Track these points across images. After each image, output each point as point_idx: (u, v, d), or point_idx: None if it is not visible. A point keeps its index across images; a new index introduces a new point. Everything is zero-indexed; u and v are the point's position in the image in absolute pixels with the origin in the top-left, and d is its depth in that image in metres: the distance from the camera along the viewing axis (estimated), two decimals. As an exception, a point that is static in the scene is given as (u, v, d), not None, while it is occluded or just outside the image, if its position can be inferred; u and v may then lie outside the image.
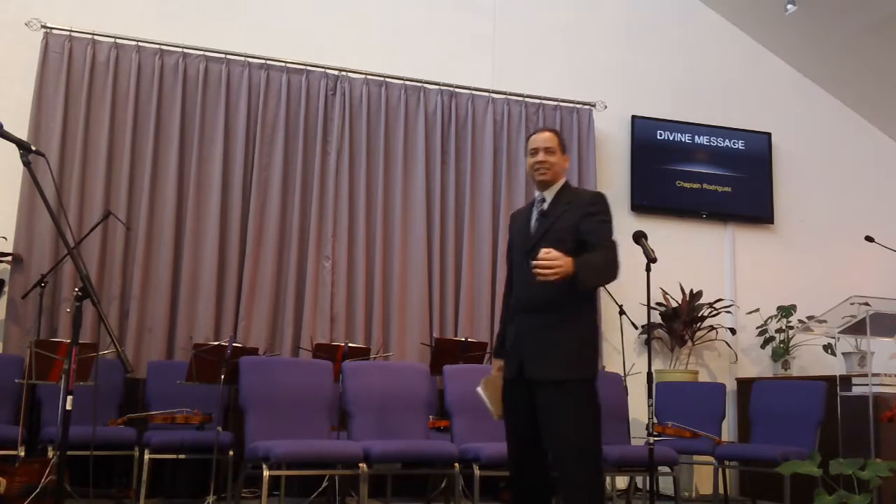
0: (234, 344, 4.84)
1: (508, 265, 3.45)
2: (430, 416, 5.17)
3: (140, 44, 6.01)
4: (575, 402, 3.10)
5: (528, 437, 3.16)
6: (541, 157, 3.25)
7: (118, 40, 5.97)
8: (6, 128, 2.90)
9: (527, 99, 6.86)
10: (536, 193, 3.33)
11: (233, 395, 5.14)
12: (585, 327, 3.18)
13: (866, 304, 5.26)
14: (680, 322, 6.77)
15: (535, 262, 2.92)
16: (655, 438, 4.22)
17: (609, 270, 3.09)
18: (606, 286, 6.55)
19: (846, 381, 5.68)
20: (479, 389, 3.34)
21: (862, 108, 7.93)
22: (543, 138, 3.30)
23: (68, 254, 4.37)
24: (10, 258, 5.51)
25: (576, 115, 6.98)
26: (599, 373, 3.21)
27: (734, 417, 6.89)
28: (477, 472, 4.51)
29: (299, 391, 4.65)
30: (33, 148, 2.92)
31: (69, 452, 3.02)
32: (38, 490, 4.11)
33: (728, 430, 6.81)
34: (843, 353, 6.24)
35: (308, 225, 6.15)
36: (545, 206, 3.25)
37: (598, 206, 3.19)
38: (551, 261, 2.90)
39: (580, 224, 3.14)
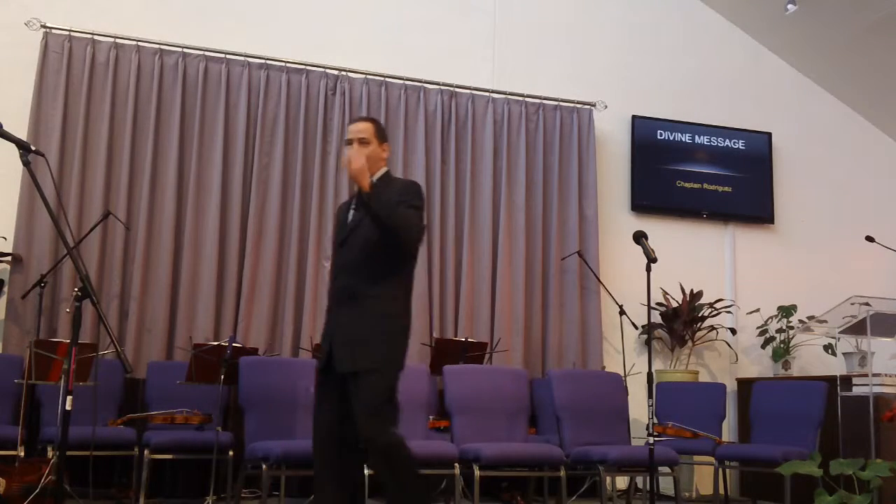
0: (234, 344, 4.83)
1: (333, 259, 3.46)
2: (430, 416, 5.17)
3: (140, 43, 6.00)
4: (376, 392, 3.13)
5: (334, 428, 3.22)
6: (354, 148, 3.24)
7: (118, 40, 5.97)
8: (6, 127, 2.91)
9: (527, 99, 6.86)
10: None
11: (232, 395, 5.14)
12: (392, 320, 3.20)
13: (867, 304, 5.26)
14: (680, 322, 6.77)
15: (343, 158, 3.04)
16: (656, 439, 4.22)
17: (402, 220, 3.11)
18: (608, 287, 6.59)
19: (847, 381, 5.67)
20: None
21: (863, 107, 7.93)
22: (357, 129, 3.27)
23: (68, 254, 4.37)
24: (9, 258, 5.50)
25: (576, 115, 6.98)
26: (405, 366, 3.26)
27: (734, 418, 6.89)
28: (477, 472, 4.51)
29: (299, 391, 4.65)
30: (33, 148, 2.92)
31: (69, 453, 3.03)
32: (37, 490, 4.11)
33: (728, 431, 6.81)
34: (844, 354, 6.23)
35: (308, 225, 6.14)
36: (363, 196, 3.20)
37: (409, 194, 3.22)
38: (355, 159, 2.99)
39: None
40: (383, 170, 3.33)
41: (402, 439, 3.17)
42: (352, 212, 3.30)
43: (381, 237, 3.12)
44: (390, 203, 3.10)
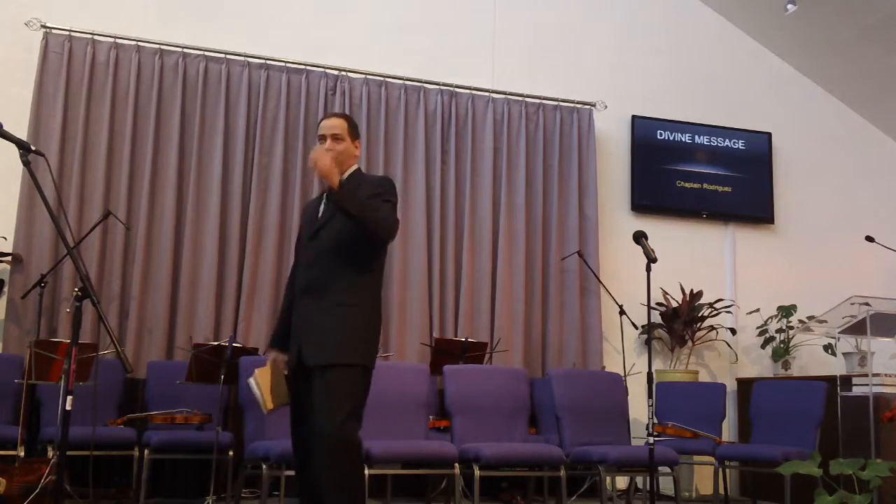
0: (234, 344, 4.83)
1: (296, 256, 3.38)
2: (430, 417, 5.17)
3: (140, 43, 6.00)
4: (339, 387, 3.00)
5: (303, 423, 3.15)
6: (328, 144, 3.18)
7: (118, 40, 5.97)
8: (6, 127, 2.90)
9: (527, 99, 6.85)
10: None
11: (233, 395, 5.14)
12: (361, 314, 3.11)
13: (866, 304, 5.26)
14: (680, 322, 6.77)
15: (310, 157, 2.97)
16: (655, 439, 4.22)
17: (374, 214, 3.05)
18: (608, 287, 6.59)
19: (846, 381, 5.68)
20: (251, 381, 3.19)
21: (863, 107, 7.92)
22: (330, 125, 3.22)
23: (68, 254, 4.37)
24: (9, 258, 5.50)
25: (576, 115, 6.98)
26: (375, 361, 3.16)
27: (734, 418, 6.89)
28: (477, 472, 4.50)
29: (299, 391, 4.64)
30: (33, 148, 2.92)
31: (69, 452, 3.02)
32: (37, 490, 4.11)
33: (728, 431, 6.81)
34: (844, 354, 6.23)
35: (308, 225, 6.14)
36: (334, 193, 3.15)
37: (383, 188, 3.17)
38: (322, 156, 2.94)
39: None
40: (354, 167, 3.28)
41: (359, 440, 3.00)
42: (322, 206, 3.25)
43: (357, 233, 3.06)
44: (361, 200, 3.04)
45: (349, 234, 3.08)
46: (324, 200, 3.26)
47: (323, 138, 3.21)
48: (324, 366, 3.02)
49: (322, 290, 3.10)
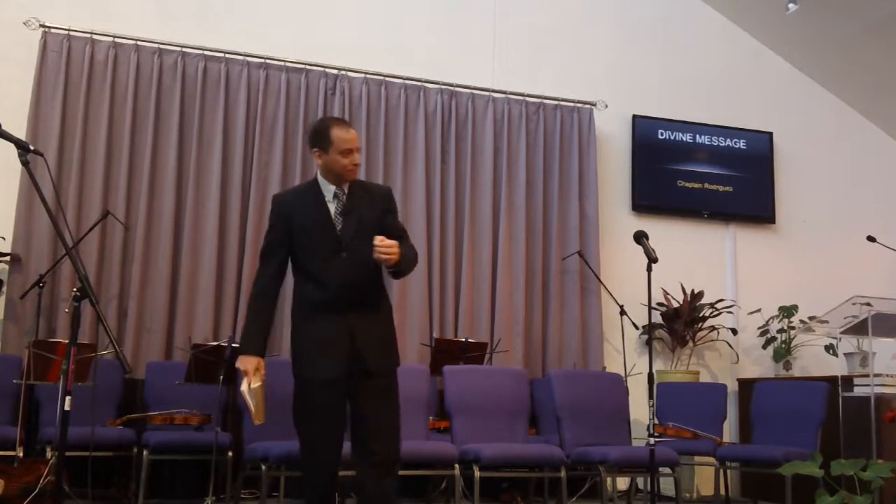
0: (233, 344, 4.81)
1: (272, 254, 3.32)
2: (430, 417, 5.16)
3: (139, 43, 5.99)
4: (395, 389, 3.26)
5: (341, 435, 3.22)
6: (357, 158, 3.22)
7: (117, 39, 5.95)
8: (4, 127, 2.89)
9: (527, 98, 6.84)
10: (328, 186, 3.23)
11: (232, 395, 5.12)
12: (391, 319, 3.36)
13: (868, 304, 5.25)
14: (681, 322, 6.76)
15: (378, 247, 3.03)
16: (656, 439, 4.20)
17: (415, 263, 3.30)
18: (608, 287, 6.58)
19: (848, 381, 5.67)
20: (245, 391, 3.13)
21: (864, 107, 7.91)
22: (357, 137, 3.25)
23: (67, 254, 4.35)
24: (8, 258, 5.49)
25: (576, 115, 6.96)
26: None
27: (735, 418, 6.88)
28: (477, 473, 4.49)
29: (299, 392, 4.62)
30: (31, 147, 2.90)
31: (68, 453, 3.02)
32: (36, 491, 4.10)
33: (729, 431, 6.79)
34: (845, 354, 6.22)
35: (308, 225, 6.13)
36: (344, 201, 3.21)
37: (392, 204, 3.34)
38: (389, 248, 3.04)
39: (382, 219, 3.24)
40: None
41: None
42: (337, 214, 3.21)
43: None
44: (410, 258, 3.21)
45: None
46: (335, 209, 3.22)
47: (351, 151, 3.19)
48: (387, 371, 3.22)
49: (365, 300, 3.23)
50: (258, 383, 3.13)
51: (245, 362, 3.15)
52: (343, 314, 3.19)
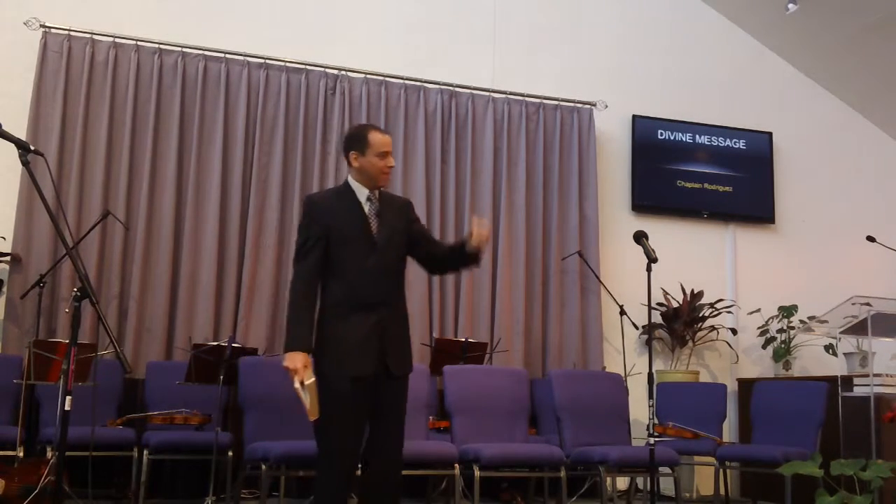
0: (234, 344, 4.82)
1: (310, 251, 3.24)
2: (430, 417, 5.16)
3: (139, 43, 5.99)
4: (407, 393, 3.34)
5: (362, 436, 3.26)
6: (392, 161, 3.32)
7: (117, 39, 5.96)
8: (5, 127, 2.90)
9: (527, 98, 6.84)
10: (362, 190, 3.29)
11: (232, 395, 5.12)
12: (408, 322, 3.43)
13: (868, 304, 5.25)
14: (681, 322, 6.76)
15: (481, 232, 3.16)
16: (656, 439, 4.21)
17: None
18: (608, 287, 6.58)
19: (847, 381, 5.66)
20: (300, 388, 3.11)
21: (863, 107, 7.92)
22: (391, 142, 3.34)
23: (67, 254, 4.35)
24: (8, 258, 5.49)
25: (576, 115, 6.96)
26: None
27: (735, 418, 6.88)
28: (477, 472, 4.50)
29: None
30: (32, 147, 2.91)
31: (68, 453, 3.02)
32: (36, 491, 4.10)
33: (729, 431, 6.80)
34: (845, 354, 6.23)
35: (308, 225, 6.12)
36: (377, 205, 3.31)
37: (415, 213, 3.48)
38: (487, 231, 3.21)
39: (410, 227, 3.39)
40: None
41: None
42: (373, 217, 3.27)
43: (406, 248, 3.37)
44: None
45: (404, 249, 3.36)
46: (370, 212, 3.28)
47: (387, 154, 3.29)
48: (406, 375, 3.31)
49: (392, 302, 3.30)
50: (312, 379, 3.12)
51: (294, 359, 3.11)
52: (374, 313, 3.23)
